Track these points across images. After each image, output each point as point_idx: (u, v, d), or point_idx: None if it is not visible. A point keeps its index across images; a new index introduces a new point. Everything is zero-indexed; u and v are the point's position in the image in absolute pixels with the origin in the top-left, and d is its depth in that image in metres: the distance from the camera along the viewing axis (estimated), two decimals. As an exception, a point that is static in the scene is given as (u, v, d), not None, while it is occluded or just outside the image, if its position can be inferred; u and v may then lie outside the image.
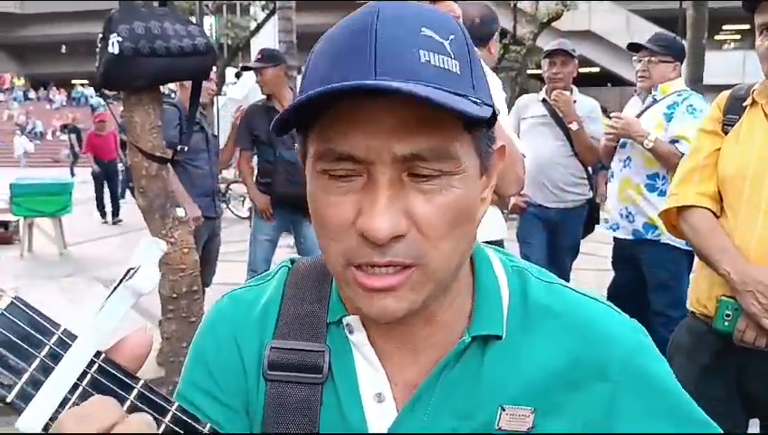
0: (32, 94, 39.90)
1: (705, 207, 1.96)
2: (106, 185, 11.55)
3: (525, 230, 4.10)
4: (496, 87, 2.44)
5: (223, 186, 10.24)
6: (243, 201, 11.56)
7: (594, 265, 5.03)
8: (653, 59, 3.49)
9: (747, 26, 17.67)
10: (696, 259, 2.09)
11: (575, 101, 3.96)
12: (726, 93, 2.04)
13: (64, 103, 37.43)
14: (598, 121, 4.02)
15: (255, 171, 4.73)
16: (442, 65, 0.66)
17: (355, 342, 0.79)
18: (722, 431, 0.80)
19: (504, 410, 0.75)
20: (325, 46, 0.70)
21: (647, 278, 3.44)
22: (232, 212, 11.64)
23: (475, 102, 0.67)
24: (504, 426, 0.75)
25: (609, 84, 24.73)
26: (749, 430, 2.03)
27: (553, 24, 15.57)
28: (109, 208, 11.59)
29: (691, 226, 1.98)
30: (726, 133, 1.97)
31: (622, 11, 23.15)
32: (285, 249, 6.81)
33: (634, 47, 3.61)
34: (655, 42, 3.53)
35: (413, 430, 0.76)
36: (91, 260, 7.99)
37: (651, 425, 0.77)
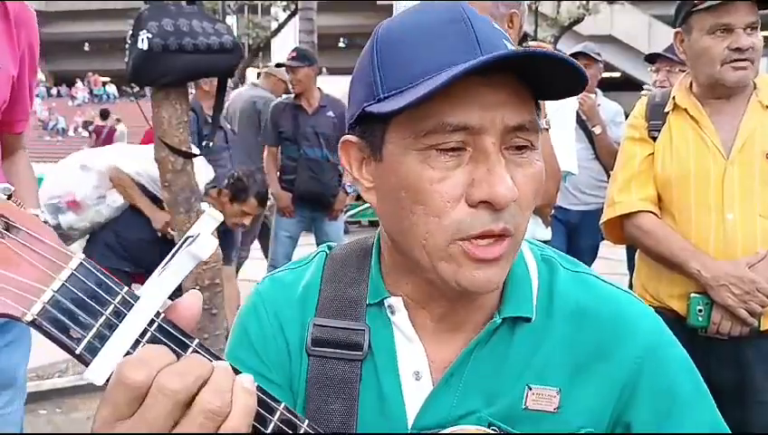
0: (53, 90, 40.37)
1: (649, 211, 2.03)
2: None
3: (544, 231, 4.10)
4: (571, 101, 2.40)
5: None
6: (261, 200, 11.57)
7: (611, 268, 5.02)
8: (672, 69, 3.53)
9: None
10: (639, 258, 2.15)
11: (599, 105, 3.96)
12: (643, 102, 2.14)
13: (87, 100, 37.82)
14: (621, 126, 4.00)
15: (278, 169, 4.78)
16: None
17: (396, 322, 0.82)
18: (729, 432, 0.83)
19: (530, 388, 0.79)
20: (410, 36, 0.74)
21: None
22: (250, 210, 11.65)
23: None
24: (530, 405, 0.78)
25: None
26: None
27: (574, 28, 15.50)
28: None
29: (643, 229, 2.03)
30: (654, 139, 2.05)
31: (644, 16, 22.99)
32: (306, 247, 6.84)
33: (651, 58, 3.69)
34: (673, 51, 3.54)
35: (443, 407, 0.79)
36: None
37: (666, 416, 0.80)
